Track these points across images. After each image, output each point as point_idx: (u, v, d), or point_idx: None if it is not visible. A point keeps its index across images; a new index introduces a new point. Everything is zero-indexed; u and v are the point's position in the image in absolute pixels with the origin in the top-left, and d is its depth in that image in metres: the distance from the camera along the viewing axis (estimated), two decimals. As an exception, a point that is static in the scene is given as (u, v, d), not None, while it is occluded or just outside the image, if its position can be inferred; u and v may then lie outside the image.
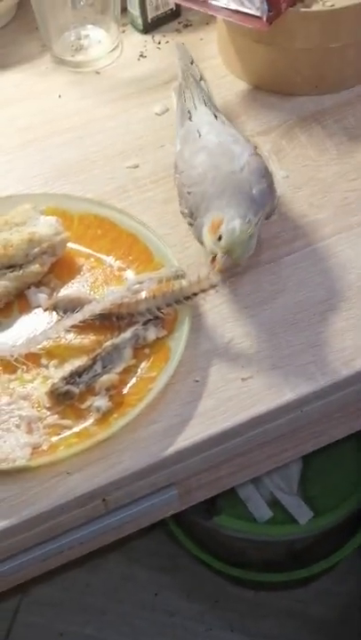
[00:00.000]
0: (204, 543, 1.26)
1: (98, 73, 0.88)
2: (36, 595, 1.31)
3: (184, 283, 0.67)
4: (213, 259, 0.65)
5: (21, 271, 0.70)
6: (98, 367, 0.65)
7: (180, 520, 1.27)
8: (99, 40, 0.89)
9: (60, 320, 0.68)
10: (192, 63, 0.76)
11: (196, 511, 1.18)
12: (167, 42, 0.90)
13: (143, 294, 0.67)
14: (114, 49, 0.89)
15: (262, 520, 1.19)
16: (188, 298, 0.67)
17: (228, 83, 0.86)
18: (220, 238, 0.63)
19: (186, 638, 1.27)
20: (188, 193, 0.67)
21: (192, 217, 0.67)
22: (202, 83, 0.75)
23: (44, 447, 0.62)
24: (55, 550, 0.64)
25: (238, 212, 0.63)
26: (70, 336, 0.68)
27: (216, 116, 0.72)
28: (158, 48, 0.90)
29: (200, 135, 0.70)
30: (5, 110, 0.85)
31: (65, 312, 0.68)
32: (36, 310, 0.70)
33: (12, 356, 0.67)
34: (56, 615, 1.30)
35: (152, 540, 1.34)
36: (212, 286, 0.67)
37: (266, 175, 0.68)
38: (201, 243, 0.68)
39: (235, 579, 1.27)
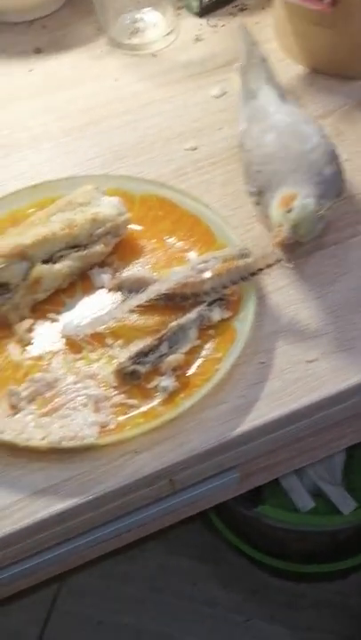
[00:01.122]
0: (245, 533, 1.26)
1: (154, 56, 0.88)
2: (75, 583, 1.31)
3: (249, 259, 0.67)
4: (278, 232, 0.65)
5: (85, 251, 0.69)
6: (164, 347, 0.65)
7: (220, 509, 1.26)
8: (154, 23, 0.89)
9: (124, 300, 0.67)
10: (254, 44, 0.76)
11: (238, 500, 1.18)
12: (223, 25, 0.90)
13: (208, 274, 0.67)
14: (169, 32, 0.89)
15: (305, 510, 1.18)
16: (253, 274, 0.67)
17: (285, 66, 0.85)
18: (289, 211, 0.63)
19: (225, 628, 1.26)
20: (258, 172, 0.67)
21: (260, 195, 0.67)
22: (266, 63, 0.74)
23: (112, 426, 0.62)
24: (122, 529, 0.64)
25: (313, 192, 0.62)
26: (134, 316, 0.68)
27: (282, 96, 0.71)
28: (214, 31, 0.89)
29: (268, 114, 0.69)
30: (62, 93, 0.85)
31: (129, 292, 0.68)
32: (100, 291, 0.70)
33: (78, 336, 0.67)
34: (94, 604, 1.30)
35: (190, 530, 1.33)
36: (278, 261, 0.66)
37: (335, 158, 0.67)
38: (265, 224, 0.67)
39: (275, 570, 1.26)
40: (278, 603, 1.28)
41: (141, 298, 0.67)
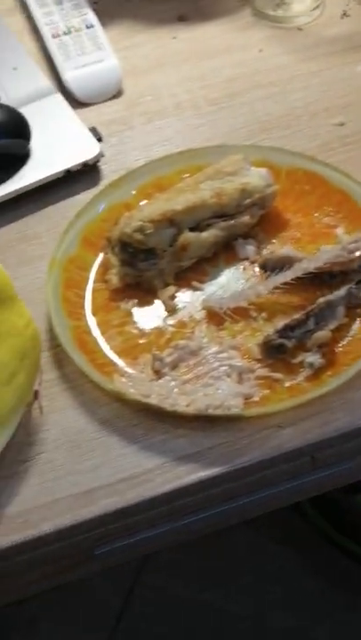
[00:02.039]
0: (338, 521, 1.24)
1: (300, 29, 0.86)
2: (160, 558, 1.31)
3: None
4: None
5: (232, 221, 0.69)
6: (311, 323, 0.64)
7: (314, 495, 1.25)
8: (301, -3, 0.88)
9: (270, 276, 0.66)
10: None
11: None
12: (371, 2, 0.88)
13: (359, 253, 0.66)
14: (316, 7, 0.87)
15: None
16: None
17: None
18: None
19: (307, 615, 1.25)
20: None
21: None
22: None
23: (256, 398, 0.61)
24: (254, 503, 0.63)
25: None
26: (278, 291, 0.67)
27: None
28: (363, 7, 0.88)
29: None
30: (207, 61, 0.84)
31: (273, 270, 0.67)
32: (243, 262, 0.69)
33: (221, 309, 0.66)
34: (178, 580, 1.30)
35: (279, 513, 1.32)
36: None
37: None
38: None
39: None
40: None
41: (288, 275, 0.66)
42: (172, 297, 0.67)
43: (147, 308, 0.67)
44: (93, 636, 1.25)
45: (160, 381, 0.63)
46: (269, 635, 1.24)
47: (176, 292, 0.68)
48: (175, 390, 0.62)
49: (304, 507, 1.27)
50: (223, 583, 1.29)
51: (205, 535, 1.24)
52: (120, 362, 0.64)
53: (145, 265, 0.68)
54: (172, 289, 0.68)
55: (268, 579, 1.30)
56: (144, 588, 1.31)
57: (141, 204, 0.70)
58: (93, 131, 0.76)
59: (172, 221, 0.67)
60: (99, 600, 1.28)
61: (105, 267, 0.69)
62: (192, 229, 0.68)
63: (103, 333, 0.66)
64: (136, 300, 0.68)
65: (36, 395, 0.61)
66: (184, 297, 0.68)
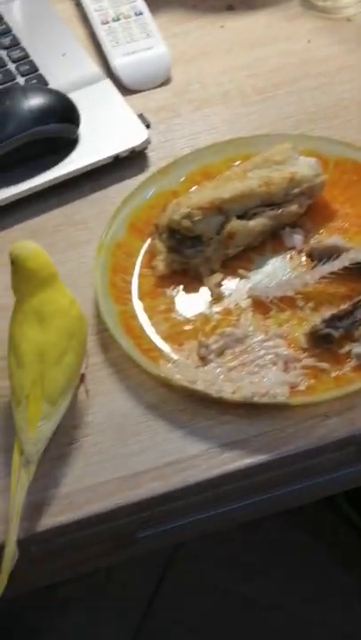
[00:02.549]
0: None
1: (349, 20, 0.86)
2: (192, 546, 1.32)
3: None
4: None
5: (280, 210, 0.69)
6: (358, 314, 0.63)
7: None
8: (350, -13, 0.87)
9: (317, 266, 0.66)
10: None
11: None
12: None
13: None
14: (365, -3, 0.87)
15: None
16: None
17: None
18: None
19: (340, 610, 1.25)
20: None
21: None
22: None
23: (302, 387, 0.61)
24: (297, 492, 0.63)
25: None
26: (325, 281, 0.66)
27: None
28: None
29: None
30: (254, 51, 0.84)
31: (320, 260, 0.67)
32: (289, 251, 0.69)
33: (267, 298, 0.66)
34: (209, 568, 1.30)
35: (312, 506, 1.32)
36: None
37: None
38: None
39: None
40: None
41: (335, 265, 0.66)
42: (219, 284, 0.67)
43: (192, 295, 0.67)
44: (123, 622, 1.26)
45: (206, 368, 0.63)
46: (299, 627, 1.24)
47: (222, 279, 0.68)
48: (221, 377, 0.62)
49: (338, 501, 1.27)
50: (254, 574, 1.29)
51: (238, 526, 1.25)
52: (166, 347, 0.64)
53: (192, 252, 0.68)
54: (218, 276, 0.68)
55: (300, 572, 1.29)
56: (175, 574, 1.31)
57: (190, 191, 0.70)
58: (141, 117, 0.76)
59: (220, 209, 0.67)
60: (130, 585, 1.29)
61: (151, 253, 0.69)
62: (239, 217, 0.68)
63: (149, 319, 0.66)
64: (182, 287, 0.68)
65: (82, 378, 0.62)
66: (230, 285, 0.68)
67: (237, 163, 0.72)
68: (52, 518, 0.57)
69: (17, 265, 0.58)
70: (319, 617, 1.25)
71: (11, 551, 0.53)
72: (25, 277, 0.59)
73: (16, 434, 0.56)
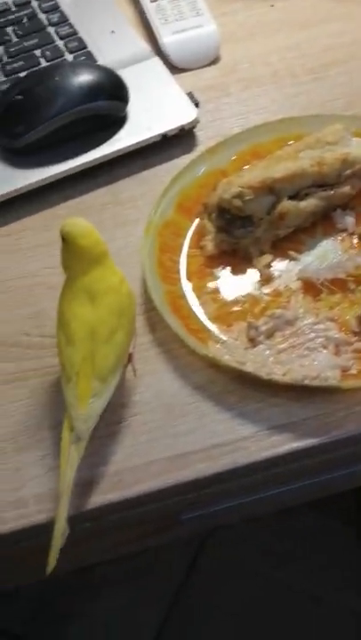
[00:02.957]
0: None
1: None
2: (226, 530, 1.31)
3: None
4: None
5: (332, 191, 0.68)
6: None
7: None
8: None
9: (370, 247, 0.65)
10: None
11: None
12: None
13: None
14: None
15: None
16: None
17: None
18: None
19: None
20: None
21: None
22: None
23: (353, 371, 0.60)
24: (346, 476, 0.63)
25: None
26: (378, 264, 0.66)
27: None
28: None
29: None
30: (304, 31, 0.82)
31: (373, 240, 0.66)
32: (340, 233, 0.68)
33: (318, 280, 0.65)
34: (245, 553, 1.30)
35: (350, 496, 1.31)
36: None
37: None
38: None
39: None
40: None
41: (388, 246, 0.65)
42: (268, 266, 0.67)
43: (241, 276, 0.67)
44: (155, 604, 1.26)
45: (255, 350, 0.62)
46: (332, 615, 1.23)
47: (272, 260, 0.67)
48: (270, 359, 0.61)
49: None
50: (288, 561, 1.29)
51: (274, 512, 1.24)
52: (214, 328, 0.64)
53: (241, 232, 0.67)
54: (268, 257, 0.67)
55: (335, 560, 1.29)
56: (210, 558, 1.31)
57: (241, 170, 0.70)
58: (191, 96, 0.75)
59: (271, 189, 0.66)
60: (162, 568, 1.29)
61: (200, 233, 0.69)
62: (291, 198, 0.67)
63: (197, 299, 0.65)
64: (230, 268, 0.67)
65: (130, 357, 0.61)
66: (280, 266, 0.67)
67: (291, 142, 0.70)
68: (101, 496, 0.56)
69: (68, 242, 0.58)
70: (353, 605, 1.24)
71: (61, 528, 0.53)
72: (76, 255, 0.58)
73: (66, 411, 0.56)
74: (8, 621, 1.25)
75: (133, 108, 0.74)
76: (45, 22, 0.81)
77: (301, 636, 1.22)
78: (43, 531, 0.55)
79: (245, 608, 1.24)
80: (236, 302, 0.65)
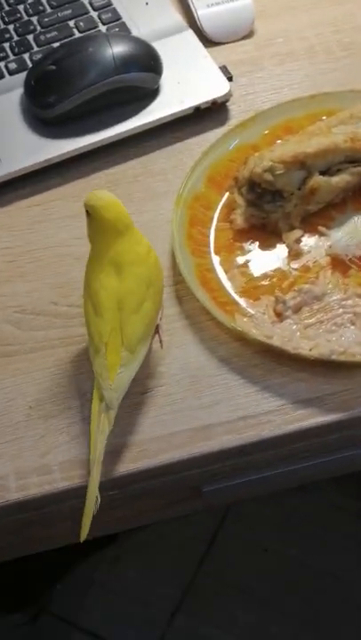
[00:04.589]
0: None
1: None
2: (244, 508, 1.32)
3: None
4: None
5: (364, 167, 0.68)
6: None
7: None
8: None
9: None
10: None
11: None
12: None
13: None
14: None
15: None
16: None
17: None
18: None
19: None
20: None
21: None
22: None
23: (381, 348, 0.60)
24: None
25: None
26: None
27: None
28: None
29: None
30: (341, 6, 0.80)
31: None
32: (371, 210, 0.68)
33: (347, 256, 0.65)
34: (261, 531, 1.31)
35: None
36: None
37: None
38: None
39: None
40: None
41: None
42: (298, 241, 0.66)
43: (270, 251, 0.67)
44: (174, 580, 1.27)
45: (282, 324, 0.62)
46: (350, 593, 1.24)
47: (301, 236, 0.67)
48: (297, 334, 0.61)
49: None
50: (306, 537, 1.29)
51: (291, 489, 1.24)
52: (242, 302, 0.64)
53: (271, 207, 0.67)
54: (297, 232, 0.67)
55: (349, 539, 1.29)
56: (227, 536, 1.32)
57: (276, 143, 0.69)
58: (224, 69, 0.75)
59: (303, 164, 0.66)
60: (181, 545, 1.30)
61: (229, 207, 0.68)
62: (322, 173, 0.67)
63: (226, 272, 0.65)
64: (259, 242, 0.67)
65: (157, 328, 0.61)
66: (309, 242, 0.67)
67: (323, 118, 0.70)
68: (125, 465, 0.57)
69: (93, 216, 0.58)
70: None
71: (93, 495, 0.54)
72: (101, 228, 0.58)
73: (95, 380, 0.56)
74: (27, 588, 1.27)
75: (166, 81, 0.74)
76: (80, -7, 0.81)
77: (314, 613, 1.23)
78: (66, 497, 0.56)
79: (260, 583, 1.24)
80: (264, 277, 0.65)
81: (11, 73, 0.76)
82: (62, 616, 1.27)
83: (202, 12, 0.79)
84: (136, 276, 0.58)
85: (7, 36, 0.78)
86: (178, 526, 1.30)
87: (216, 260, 0.66)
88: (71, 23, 0.79)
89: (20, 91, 0.75)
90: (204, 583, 1.26)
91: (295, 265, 0.65)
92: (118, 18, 0.79)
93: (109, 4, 0.80)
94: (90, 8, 0.80)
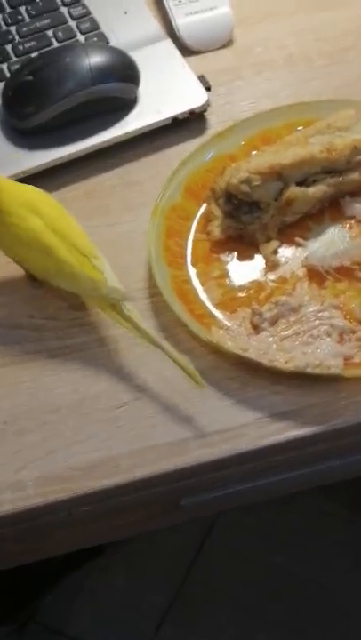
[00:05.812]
0: None
1: None
2: (230, 518, 1.31)
3: None
4: None
5: (341, 178, 0.67)
6: None
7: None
8: None
9: (378, 235, 0.65)
10: None
11: None
12: None
13: None
14: None
15: None
16: None
17: None
18: None
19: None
20: None
21: None
22: None
23: (356, 360, 0.60)
24: (347, 466, 0.63)
25: None
26: (386, 252, 0.65)
27: None
28: None
29: None
30: (321, 14, 0.81)
31: (380, 228, 0.65)
32: (348, 221, 0.67)
33: (323, 267, 0.65)
34: (247, 540, 1.30)
35: (350, 481, 1.31)
36: None
37: None
38: None
39: None
40: None
41: None
42: (274, 252, 0.66)
43: (247, 262, 0.66)
44: (162, 589, 1.26)
45: (258, 336, 0.62)
46: (334, 599, 1.23)
47: (278, 247, 0.66)
48: (273, 346, 0.61)
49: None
50: (292, 546, 1.29)
51: (276, 499, 1.24)
52: (218, 314, 0.63)
53: (248, 218, 0.66)
54: (274, 244, 0.66)
55: (337, 545, 1.29)
56: (214, 545, 1.31)
57: (250, 155, 0.69)
58: (202, 79, 0.74)
59: (279, 175, 0.66)
60: (170, 554, 1.29)
61: (207, 218, 0.68)
62: (299, 184, 0.67)
63: (202, 284, 0.65)
64: (237, 253, 0.67)
65: None
66: (286, 253, 0.66)
67: (299, 128, 0.70)
68: (100, 480, 0.56)
69: None
70: (355, 590, 1.24)
71: (183, 359, 0.59)
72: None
73: (93, 296, 0.62)
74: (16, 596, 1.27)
75: (144, 91, 0.74)
76: (59, 2, 0.80)
77: (300, 620, 1.22)
78: (40, 513, 0.56)
79: (247, 592, 1.24)
80: (241, 288, 0.65)
81: (-12, 83, 0.76)
82: (50, 624, 1.26)
83: (180, 20, 0.79)
84: (51, 206, 0.63)
85: (-15, 46, 0.78)
86: (167, 534, 1.30)
87: (193, 271, 0.66)
88: (50, 33, 0.79)
89: (-3, 101, 0.75)
90: (193, 591, 1.26)
91: (272, 276, 0.65)
92: (97, 27, 0.78)
93: (88, 14, 0.79)
94: (68, 17, 0.79)
